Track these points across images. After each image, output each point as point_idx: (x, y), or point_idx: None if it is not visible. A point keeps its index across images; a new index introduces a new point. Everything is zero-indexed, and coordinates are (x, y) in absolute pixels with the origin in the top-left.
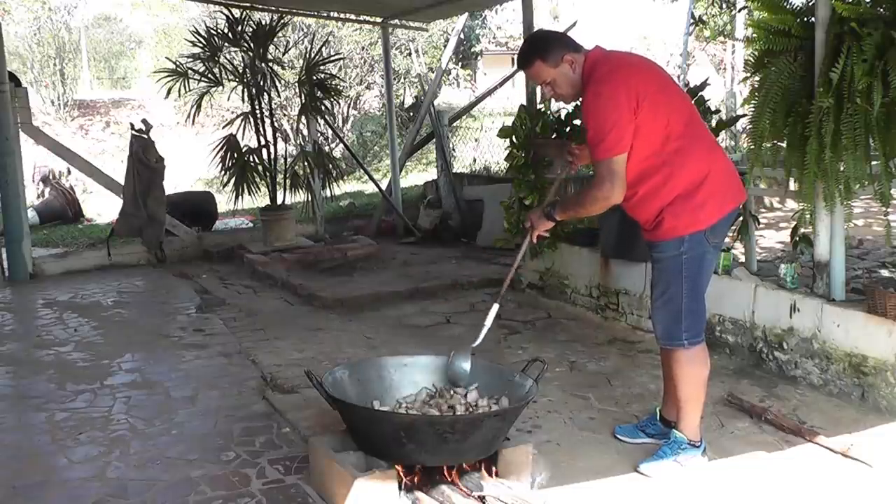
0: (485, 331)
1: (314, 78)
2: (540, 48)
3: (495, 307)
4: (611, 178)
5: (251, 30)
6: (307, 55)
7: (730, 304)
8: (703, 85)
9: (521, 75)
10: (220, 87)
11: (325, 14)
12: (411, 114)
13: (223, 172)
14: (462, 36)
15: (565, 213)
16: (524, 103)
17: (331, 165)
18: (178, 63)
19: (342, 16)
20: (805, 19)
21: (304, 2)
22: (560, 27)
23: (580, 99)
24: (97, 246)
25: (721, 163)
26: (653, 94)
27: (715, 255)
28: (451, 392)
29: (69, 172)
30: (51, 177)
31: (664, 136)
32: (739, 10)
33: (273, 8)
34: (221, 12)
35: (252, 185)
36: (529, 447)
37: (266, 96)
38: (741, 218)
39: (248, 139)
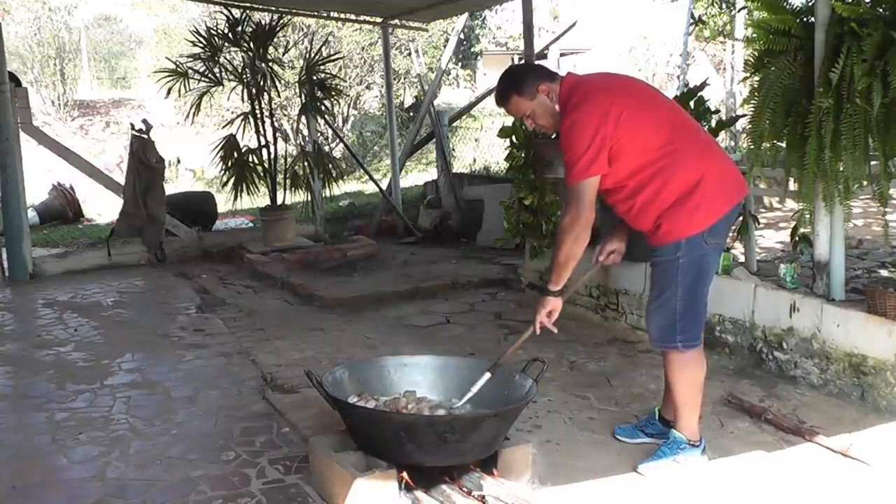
0: (470, 395)
1: (314, 78)
2: (515, 83)
3: (486, 376)
4: (576, 203)
5: (251, 30)
6: (307, 55)
7: (729, 304)
8: (703, 85)
9: None
10: (220, 87)
11: (325, 14)
12: (411, 114)
13: (223, 172)
14: (462, 36)
15: (556, 273)
16: None
17: (331, 165)
18: (178, 63)
19: (342, 16)
20: (805, 19)
21: (304, 2)
22: (560, 27)
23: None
24: (97, 246)
25: (716, 164)
26: (631, 111)
27: (716, 256)
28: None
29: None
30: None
31: (653, 147)
32: (739, 10)
33: (273, 8)
34: (221, 12)
35: (252, 185)
36: (529, 447)
37: (266, 96)
38: (741, 218)
39: (248, 139)
